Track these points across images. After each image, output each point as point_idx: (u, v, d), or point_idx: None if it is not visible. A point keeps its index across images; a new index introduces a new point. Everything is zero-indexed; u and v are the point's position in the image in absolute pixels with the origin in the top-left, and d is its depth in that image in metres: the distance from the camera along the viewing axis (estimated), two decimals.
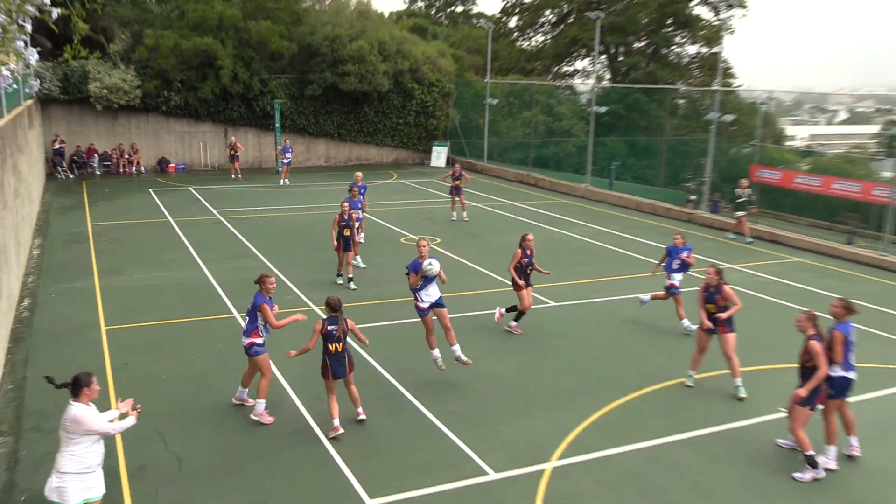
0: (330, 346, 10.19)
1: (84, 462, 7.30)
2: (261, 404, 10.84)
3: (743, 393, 12.08)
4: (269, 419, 10.79)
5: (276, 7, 37.65)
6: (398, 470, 9.63)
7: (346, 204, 17.62)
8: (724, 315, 11.94)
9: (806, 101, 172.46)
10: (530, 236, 14.86)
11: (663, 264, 15.57)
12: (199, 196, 29.78)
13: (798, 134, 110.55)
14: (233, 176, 34.75)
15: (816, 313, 9.95)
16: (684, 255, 15.11)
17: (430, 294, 12.44)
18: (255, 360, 10.79)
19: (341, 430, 10.37)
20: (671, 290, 15.22)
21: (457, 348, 12.55)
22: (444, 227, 24.95)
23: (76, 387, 7.32)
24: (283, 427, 10.73)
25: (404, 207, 28.55)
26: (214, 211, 26.75)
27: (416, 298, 12.48)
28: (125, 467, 9.53)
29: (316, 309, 15.90)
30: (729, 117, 32.81)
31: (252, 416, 10.85)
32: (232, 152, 34.85)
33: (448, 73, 42.98)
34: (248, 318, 10.81)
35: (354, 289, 17.45)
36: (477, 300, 16.97)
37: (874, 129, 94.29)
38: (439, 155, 41.47)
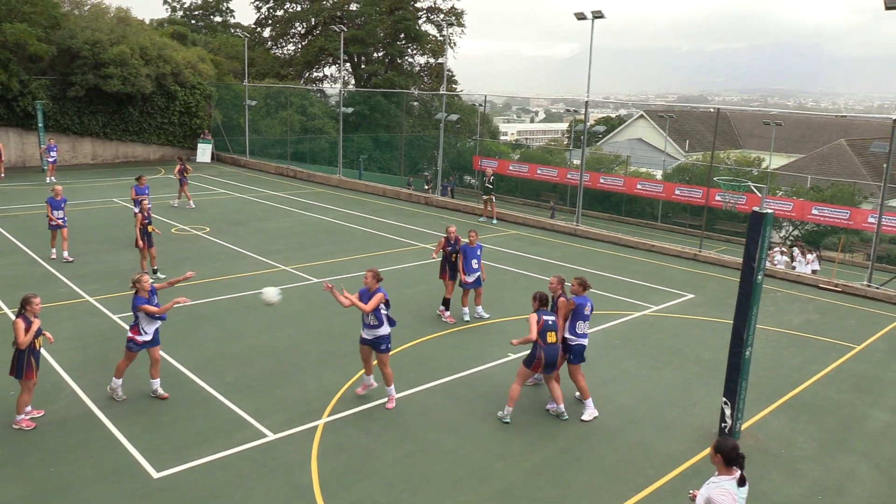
0: (36, 342, 9.17)
1: None
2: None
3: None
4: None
5: (33, 11, 33.48)
6: (181, 441, 9.05)
7: (146, 202, 16.43)
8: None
9: (514, 104, 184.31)
10: (452, 228, 14.34)
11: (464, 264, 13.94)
12: None
13: (509, 130, 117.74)
14: None
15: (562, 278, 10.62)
16: (479, 253, 14.01)
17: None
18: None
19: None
20: (467, 286, 14.04)
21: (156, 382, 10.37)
22: (212, 216, 23.78)
23: None
24: (64, 413, 9.68)
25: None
26: None
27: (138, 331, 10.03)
28: None
29: (91, 300, 14.54)
30: (454, 117, 34.19)
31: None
32: None
33: (209, 77, 40.94)
34: None
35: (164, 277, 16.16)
36: (244, 282, 16.34)
37: (565, 126, 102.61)
38: (204, 151, 39.51)
